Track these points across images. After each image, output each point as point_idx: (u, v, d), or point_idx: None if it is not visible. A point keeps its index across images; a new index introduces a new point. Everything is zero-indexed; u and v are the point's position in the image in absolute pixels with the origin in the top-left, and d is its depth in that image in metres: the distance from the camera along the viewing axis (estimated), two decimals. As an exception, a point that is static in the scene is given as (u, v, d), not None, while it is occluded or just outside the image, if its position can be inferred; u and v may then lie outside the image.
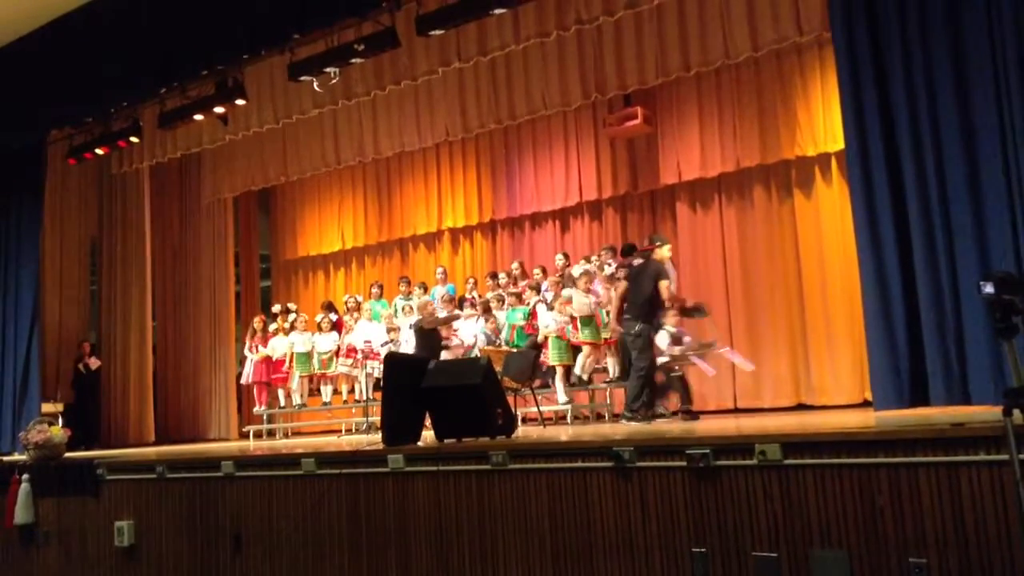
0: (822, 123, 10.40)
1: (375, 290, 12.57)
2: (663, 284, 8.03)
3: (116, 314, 14.07)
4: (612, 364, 9.97)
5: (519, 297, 10.64)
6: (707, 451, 4.93)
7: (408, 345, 10.67)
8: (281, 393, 12.33)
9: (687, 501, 5.01)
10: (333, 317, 12.27)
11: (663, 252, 8.40)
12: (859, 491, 4.48)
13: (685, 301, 8.96)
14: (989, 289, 3.55)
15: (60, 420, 11.08)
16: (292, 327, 12.23)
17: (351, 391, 12.01)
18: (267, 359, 12.28)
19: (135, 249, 14.16)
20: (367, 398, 11.47)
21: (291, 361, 12.09)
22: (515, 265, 11.82)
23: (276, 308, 13.11)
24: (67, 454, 9.40)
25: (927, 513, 4.28)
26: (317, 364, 11.99)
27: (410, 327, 10.70)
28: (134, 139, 11.81)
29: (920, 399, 6.82)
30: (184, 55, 10.27)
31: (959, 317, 6.62)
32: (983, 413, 5.32)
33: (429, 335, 10.13)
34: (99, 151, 12.16)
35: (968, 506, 4.18)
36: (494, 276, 11.78)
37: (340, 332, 12.06)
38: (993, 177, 6.51)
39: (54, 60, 11.33)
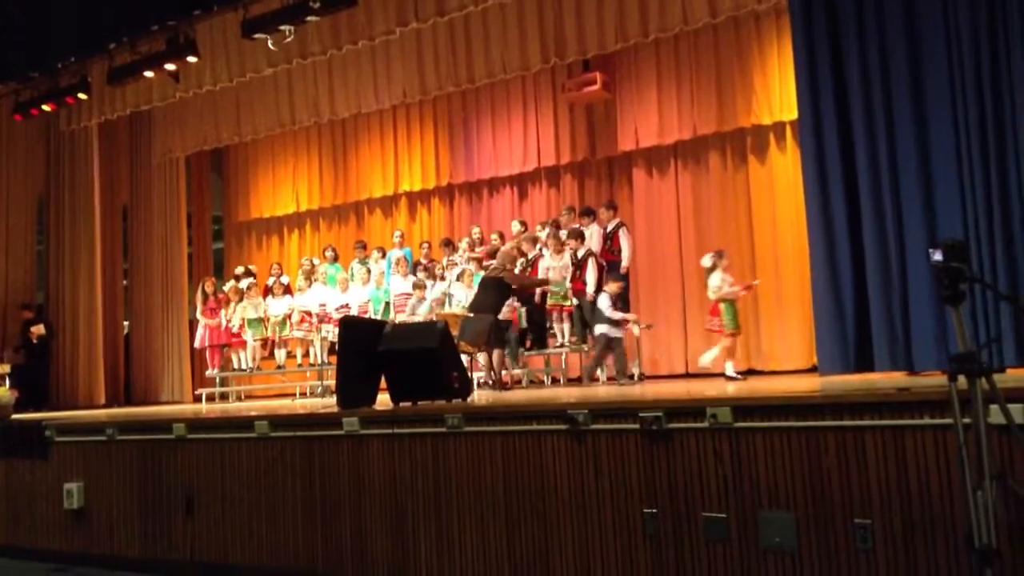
0: (778, 92, 10.48)
1: (329, 254, 12.48)
2: None
3: (64, 275, 13.78)
4: (560, 330, 10.02)
5: (479, 262, 10.62)
6: (659, 414, 5.00)
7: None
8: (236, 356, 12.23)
9: (639, 463, 5.07)
10: (284, 280, 12.17)
11: None
12: (807, 454, 4.57)
13: None
14: (938, 257, 3.61)
15: (7, 381, 10.92)
16: (243, 295, 12.07)
17: (306, 355, 11.95)
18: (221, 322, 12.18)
19: (84, 208, 13.84)
20: (322, 362, 11.42)
21: (243, 325, 11.99)
22: (476, 230, 11.77)
23: (239, 270, 12.95)
24: (15, 416, 9.25)
25: (872, 476, 4.39)
26: (270, 328, 11.91)
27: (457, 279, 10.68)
28: (82, 95, 11.53)
29: (865, 365, 6.97)
30: (134, 9, 10.03)
31: (905, 285, 6.76)
32: (925, 379, 5.46)
33: (501, 286, 9.38)
34: (46, 107, 11.86)
35: (912, 469, 4.29)
36: (448, 243, 11.74)
37: (291, 295, 11.99)
38: (942, 148, 6.62)
39: (-2, 12, 11.00)
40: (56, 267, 13.87)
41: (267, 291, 12.16)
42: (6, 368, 11.96)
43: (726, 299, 8.19)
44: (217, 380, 12.39)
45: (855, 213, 7.06)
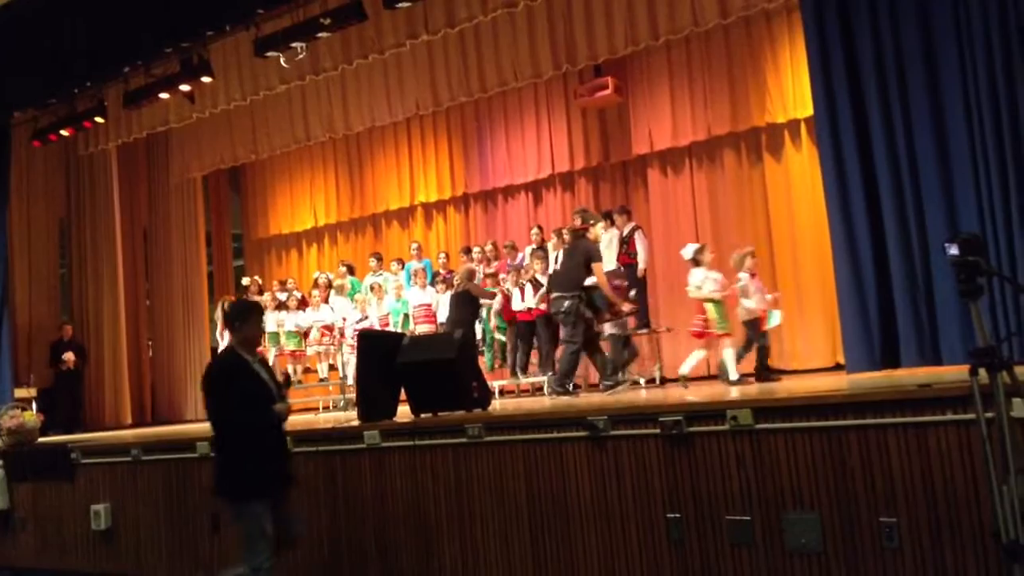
0: (791, 89, 10.40)
1: (342, 269, 12.50)
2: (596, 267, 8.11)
3: (88, 297, 13.94)
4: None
5: (494, 278, 10.57)
6: (680, 418, 4.97)
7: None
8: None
9: (661, 468, 5.05)
10: (298, 295, 12.18)
11: (596, 231, 8.49)
12: (829, 453, 4.53)
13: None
14: (954, 251, 3.56)
15: (34, 405, 11.02)
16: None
17: (333, 368, 11.92)
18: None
19: (104, 231, 14.00)
20: (344, 375, 11.42)
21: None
22: (488, 245, 11.70)
23: (245, 281, 13.00)
24: (40, 439, 9.33)
25: (896, 473, 4.34)
26: (290, 341, 11.91)
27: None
28: (99, 120, 11.64)
29: (891, 361, 6.90)
30: (147, 33, 10.12)
31: (929, 279, 6.70)
32: (952, 373, 5.39)
33: (471, 302, 9.80)
34: (64, 132, 11.99)
35: (936, 465, 4.24)
36: (468, 251, 11.72)
37: (305, 310, 12.01)
38: (959, 140, 6.57)
39: (14, 41, 11.12)
40: (80, 290, 14.04)
41: (280, 306, 12.13)
42: (32, 392, 12.07)
43: (710, 299, 7.92)
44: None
45: (875, 209, 7.01)
